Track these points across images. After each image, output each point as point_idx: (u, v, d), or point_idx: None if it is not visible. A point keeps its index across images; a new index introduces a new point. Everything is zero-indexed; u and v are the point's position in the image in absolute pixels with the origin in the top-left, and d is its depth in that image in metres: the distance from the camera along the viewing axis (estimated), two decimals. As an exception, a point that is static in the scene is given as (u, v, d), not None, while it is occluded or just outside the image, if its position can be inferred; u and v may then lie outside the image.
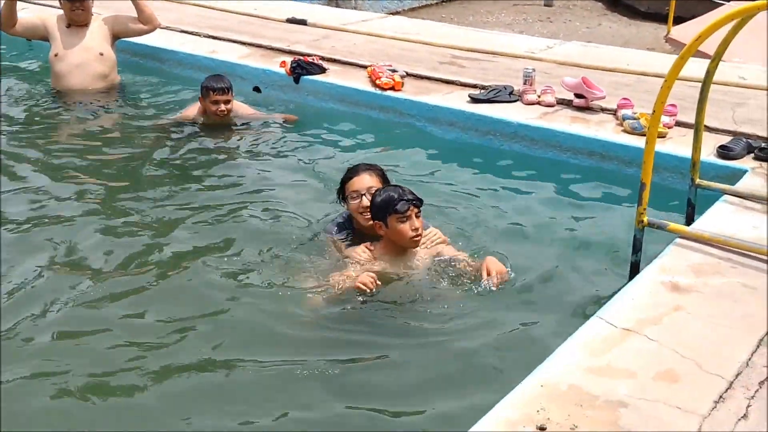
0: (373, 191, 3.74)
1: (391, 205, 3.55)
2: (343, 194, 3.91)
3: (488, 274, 3.49)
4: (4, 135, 5.64)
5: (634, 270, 3.67)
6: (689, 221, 4.09)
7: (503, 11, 14.81)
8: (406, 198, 3.56)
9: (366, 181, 3.83)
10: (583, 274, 3.83)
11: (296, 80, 6.38)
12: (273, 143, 5.58)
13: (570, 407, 2.48)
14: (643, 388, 2.58)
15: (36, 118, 6.04)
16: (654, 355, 2.76)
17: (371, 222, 3.73)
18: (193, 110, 5.83)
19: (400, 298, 3.54)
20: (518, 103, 5.71)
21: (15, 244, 4.12)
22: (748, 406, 2.49)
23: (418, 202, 3.60)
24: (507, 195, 4.89)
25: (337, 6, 13.41)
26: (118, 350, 3.26)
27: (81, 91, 6.28)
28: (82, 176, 5.03)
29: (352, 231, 3.92)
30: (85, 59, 6.28)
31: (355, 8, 13.57)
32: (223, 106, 5.64)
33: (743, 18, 3.52)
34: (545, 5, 14.86)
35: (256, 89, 6.55)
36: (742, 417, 2.44)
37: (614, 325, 2.95)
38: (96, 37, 6.34)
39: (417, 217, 3.59)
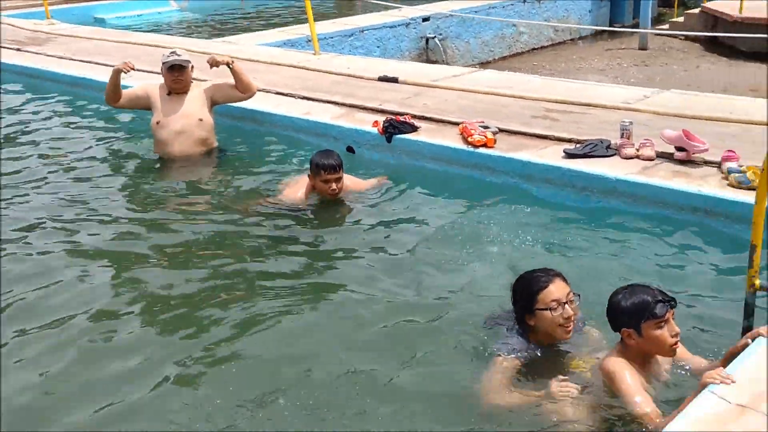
0: (572, 297, 3.47)
1: (646, 309, 3.18)
2: (531, 304, 3.51)
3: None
4: (104, 203, 5.86)
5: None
6: (807, 283, 3.85)
7: (596, 57, 14.62)
8: (662, 299, 3.21)
9: (563, 288, 3.49)
10: (689, 343, 3.63)
11: (389, 139, 6.42)
12: (381, 214, 5.50)
13: (684, 494, 2.33)
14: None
15: (137, 186, 6.26)
16: (773, 435, 2.58)
17: (570, 335, 3.49)
18: (299, 186, 5.67)
19: None
20: (616, 157, 5.57)
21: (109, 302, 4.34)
22: None
23: (674, 302, 3.25)
24: (608, 253, 4.76)
25: (428, 60, 13.53)
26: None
27: (182, 157, 6.49)
28: (181, 249, 5.10)
29: (528, 347, 3.55)
30: (186, 125, 6.49)
31: (444, 59, 13.66)
32: (334, 185, 5.48)
33: None
34: (640, 49, 14.61)
35: (350, 149, 6.61)
36: None
37: (728, 401, 2.78)
38: (195, 103, 6.56)
39: (673, 319, 3.24)
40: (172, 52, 6.52)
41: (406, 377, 3.62)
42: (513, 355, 3.49)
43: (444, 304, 4.26)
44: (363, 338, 3.99)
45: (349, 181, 5.74)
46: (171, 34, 13.77)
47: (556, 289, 3.47)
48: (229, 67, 6.50)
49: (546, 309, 3.45)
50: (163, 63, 6.50)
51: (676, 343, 3.22)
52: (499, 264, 4.64)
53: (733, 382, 2.89)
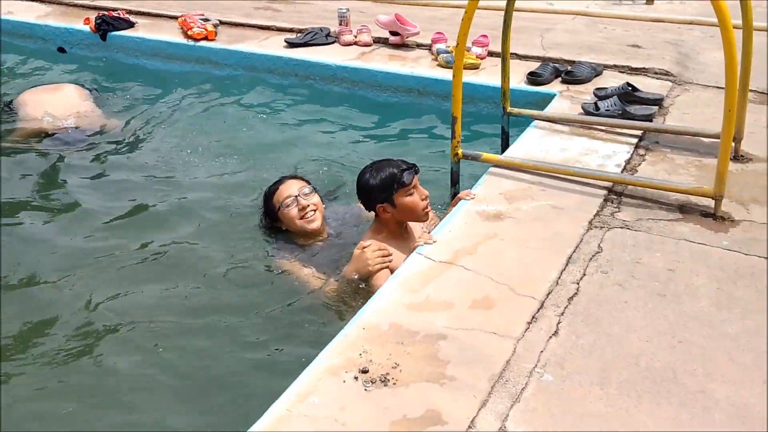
0: (305, 191, 3.53)
1: (395, 180, 3.21)
2: (272, 211, 3.58)
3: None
4: None
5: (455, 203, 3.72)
6: (504, 148, 4.18)
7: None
8: (406, 168, 3.24)
9: (294, 185, 3.58)
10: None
11: (103, 37, 6.03)
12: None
13: (391, 346, 2.48)
14: (460, 318, 2.62)
15: None
16: (470, 285, 2.80)
17: (318, 225, 3.52)
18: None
19: None
20: (335, 44, 5.64)
21: None
22: (559, 323, 2.58)
23: (417, 169, 3.30)
24: (330, 138, 4.86)
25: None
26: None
27: None
28: None
29: (296, 246, 3.57)
30: None
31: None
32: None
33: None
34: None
35: (61, 50, 6.15)
36: (553, 334, 2.52)
37: (432, 260, 2.97)
38: None
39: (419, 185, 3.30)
40: None
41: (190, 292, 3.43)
42: (286, 259, 3.51)
43: (193, 208, 4.08)
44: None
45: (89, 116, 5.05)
46: None
47: (287, 188, 3.57)
48: None
49: (281, 207, 3.53)
50: None
51: (427, 206, 3.31)
52: (228, 157, 4.59)
53: (434, 242, 3.10)
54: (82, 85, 5.31)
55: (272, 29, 6.00)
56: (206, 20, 5.98)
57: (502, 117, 4.22)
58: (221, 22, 6.07)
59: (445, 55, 5.12)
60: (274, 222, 3.64)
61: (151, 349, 3.07)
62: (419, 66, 5.21)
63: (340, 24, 5.72)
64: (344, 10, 5.73)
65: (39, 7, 6.68)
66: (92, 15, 6.22)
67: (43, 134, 4.78)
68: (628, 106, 4.19)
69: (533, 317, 2.61)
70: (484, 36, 5.24)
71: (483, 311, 2.65)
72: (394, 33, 5.53)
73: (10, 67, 6.01)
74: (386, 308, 2.69)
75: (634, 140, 3.95)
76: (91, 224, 3.92)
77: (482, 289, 2.77)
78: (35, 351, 3.06)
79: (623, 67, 5.01)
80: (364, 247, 3.21)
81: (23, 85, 5.53)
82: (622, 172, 3.62)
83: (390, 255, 3.23)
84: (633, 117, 4.12)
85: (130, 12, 6.35)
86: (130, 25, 6.14)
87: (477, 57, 5.12)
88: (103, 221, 3.95)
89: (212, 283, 3.45)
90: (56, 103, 4.93)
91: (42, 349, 3.07)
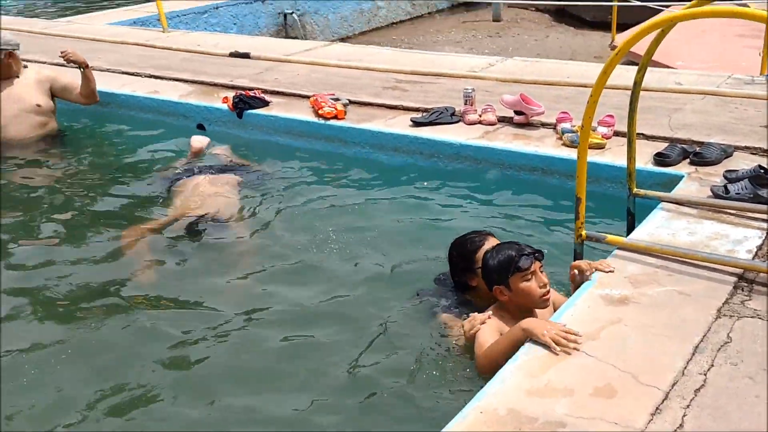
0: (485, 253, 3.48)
1: (512, 264, 3.26)
2: (472, 267, 3.61)
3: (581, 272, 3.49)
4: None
5: (577, 285, 3.68)
6: (630, 231, 4.12)
7: (452, 29, 14.92)
8: (526, 252, 3.29)
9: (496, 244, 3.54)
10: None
11: (239, 115, 6.37)
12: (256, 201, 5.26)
13: (509, 432, 2.47)
14: (581, 405, 2.58)
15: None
16: (592, 371, 2.76)
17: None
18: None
19: None
20: (460, 123, 5.75)
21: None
22: (684, 415, 2.50)
23: (540, 255, 3.33)
24: (456, 216, 4.92)
25: (287, 36, 13.43)
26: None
27: (19, 142, 6.17)
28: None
29: (468, 307, 3.60)
30: (21, 110, 6.16)
31: (303, 35, 13.59)
32: None
33: (664, 29, 3.58)
34: (494, 20, 15.00)
35: (200, 126, 6.53)
36: (678, 427, 2.45)
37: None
38: (31, 88, 6.25)
39: (542, 271, 3.33)
40: None
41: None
42: (455, 314, 3.60)
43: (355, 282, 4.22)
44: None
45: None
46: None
47: (491, 246, 3.53)
48: (81, 69, 6.24)
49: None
50: None
51: (546, 294, 3.30)
52: (358, 237, 4.70)
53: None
54: (239, 173, 5.56)
55: (399, 108, 6.18)
56: (337, 99, 6.23)
57: (627, 198, 4.18)
58: (351, 102, 6.30)
59: (570, 134, 5.13)
60: (465, 273, 3.66)
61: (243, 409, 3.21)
62: (543, 145, 5.23)
63: (465, 103, 5.84)
64: (470, 90, 5.85)
65: (182, 86, 7.13)
66: (230, 94, 6.60)
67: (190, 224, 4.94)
68: (760, 189, 4.07)
69: (657, 408, 2.54)
70: (610, 116, 5.23)
71: (604, 400, 2.61)
72: (518, 112, 5.59)
73: (155, 141, 6.43)
74: (505, 392, 2.69)
75: (767, 225, 3.81)
76: (224, 301, 4.13)
77: (604, 377, 2.73)
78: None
79: (755, 148, 4.87)
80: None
81: (168, 159, 5.96)
82: (753, 258, 3.50)
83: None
84: (765, 201, 3.99)
85: (265, 91, 6.69)
86: (266, 103, 6.46)
87: (602, 137, 5.10)
88: (243, 306, 4.08)
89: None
90: (212, 203, 5.06)
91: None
